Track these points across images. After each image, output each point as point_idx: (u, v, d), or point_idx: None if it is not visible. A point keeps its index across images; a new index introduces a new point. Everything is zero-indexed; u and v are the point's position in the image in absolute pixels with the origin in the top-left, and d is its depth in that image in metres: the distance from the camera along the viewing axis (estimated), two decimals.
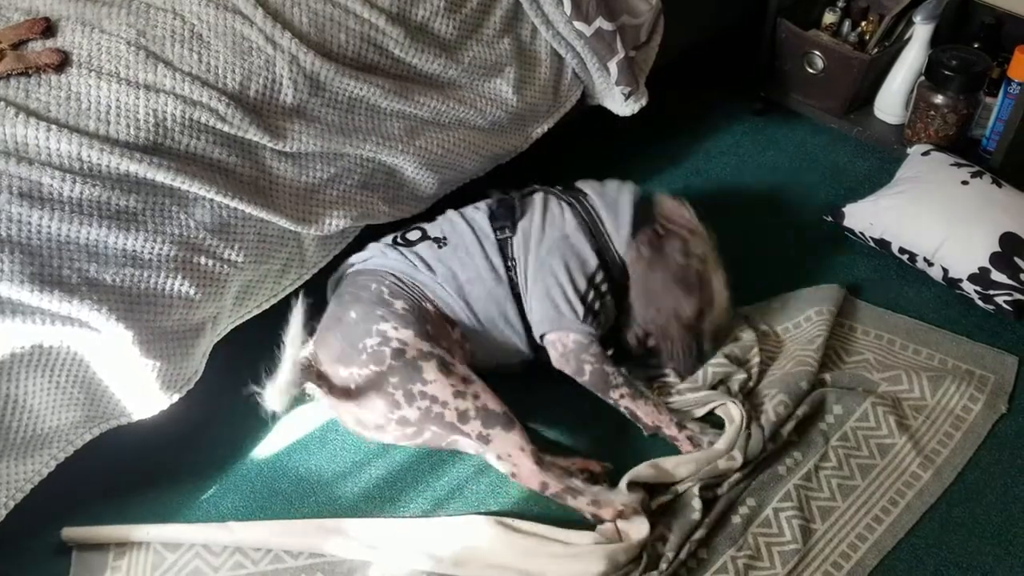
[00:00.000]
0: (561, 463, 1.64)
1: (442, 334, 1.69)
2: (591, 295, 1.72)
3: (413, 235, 1.78)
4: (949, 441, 1.70)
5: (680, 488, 1.61)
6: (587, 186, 1.85)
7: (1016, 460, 1.68)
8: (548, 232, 1.75)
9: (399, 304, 1.67)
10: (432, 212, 1.88)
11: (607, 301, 1.76)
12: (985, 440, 1.70)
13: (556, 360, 1.73)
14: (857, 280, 2.05)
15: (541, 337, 1.73)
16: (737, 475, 1.63)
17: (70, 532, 1.60)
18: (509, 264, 1.74)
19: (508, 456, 1.59)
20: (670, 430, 1.69)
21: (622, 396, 1.70)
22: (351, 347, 1.62)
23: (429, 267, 1.72)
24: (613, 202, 1.80)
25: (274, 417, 1.57)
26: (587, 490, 1.57)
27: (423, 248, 1.75)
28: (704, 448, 1.66)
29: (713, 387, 1.76)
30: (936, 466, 1.66)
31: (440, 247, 1.75)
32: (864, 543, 1.56)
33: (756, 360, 1.81)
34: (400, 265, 1.73)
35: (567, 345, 1.71)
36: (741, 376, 1.76)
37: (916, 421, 1.73)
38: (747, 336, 1.84)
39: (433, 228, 1.79)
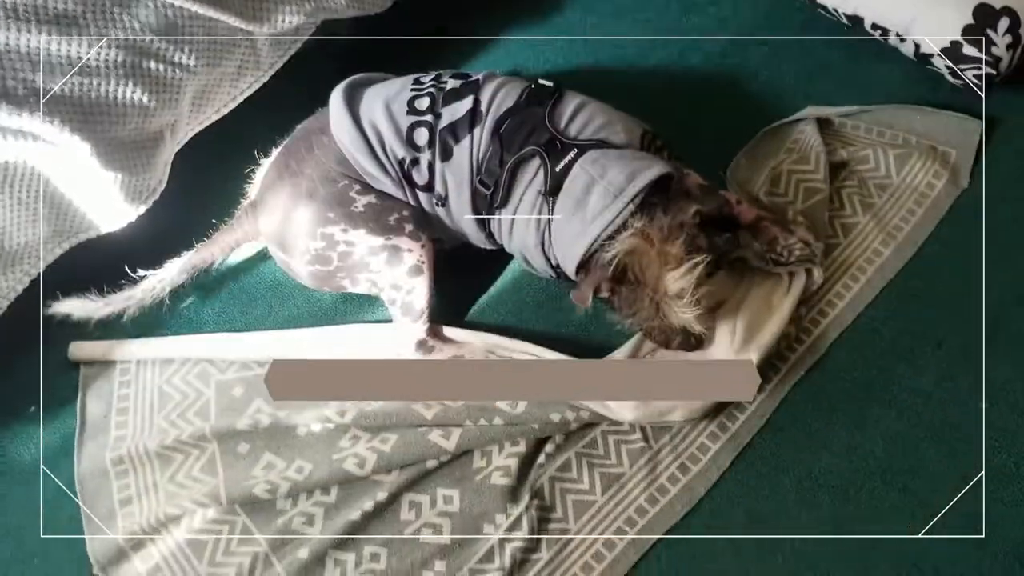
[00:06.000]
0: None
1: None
2: None
3: (422, 104, 1.55)
4: (912, 217, 1.74)
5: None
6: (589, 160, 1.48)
7: (974, 230, 1.71)
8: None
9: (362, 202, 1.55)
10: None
11: None
12: (946, 215, 1.74)
13: None
14: (829, 60, 2.01)
15: None
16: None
17: (76, 349, 1.64)
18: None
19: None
20: None
21: None
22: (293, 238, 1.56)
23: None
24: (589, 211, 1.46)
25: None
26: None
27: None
28: None
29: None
30: (897, 242, 1.71)
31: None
32: (825, 318, 1.63)
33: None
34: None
35: None
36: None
37: (880, 199, 1.76)
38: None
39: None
